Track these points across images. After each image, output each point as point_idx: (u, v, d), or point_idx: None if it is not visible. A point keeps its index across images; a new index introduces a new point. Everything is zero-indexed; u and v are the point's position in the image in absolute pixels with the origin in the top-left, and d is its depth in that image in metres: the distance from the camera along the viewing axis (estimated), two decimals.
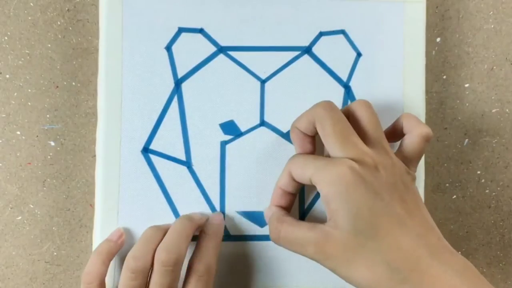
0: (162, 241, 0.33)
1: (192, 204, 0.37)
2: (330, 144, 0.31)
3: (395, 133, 0.35)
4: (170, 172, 0.37)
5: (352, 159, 0.30)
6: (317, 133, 0.32)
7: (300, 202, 0.37)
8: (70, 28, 0.39)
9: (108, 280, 0.35)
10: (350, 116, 0.33)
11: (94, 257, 0.34)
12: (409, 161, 0.33)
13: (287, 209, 0.35)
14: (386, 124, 0.38)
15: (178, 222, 0.34)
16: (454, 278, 0.28)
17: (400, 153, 0.33)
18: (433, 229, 0.30)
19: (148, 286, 0.33)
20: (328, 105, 0.32)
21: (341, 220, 0.29)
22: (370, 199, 0.29)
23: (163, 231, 0.34)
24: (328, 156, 0.32)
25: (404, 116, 0.34)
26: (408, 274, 0.28)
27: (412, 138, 0.33)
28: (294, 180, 0.33)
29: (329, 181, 0.30)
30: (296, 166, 0.32)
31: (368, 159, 0.30)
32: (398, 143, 0.35)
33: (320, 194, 0.30)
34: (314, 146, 0.34)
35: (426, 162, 0.38)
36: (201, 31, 0.37)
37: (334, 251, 0.29)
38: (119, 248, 0.35)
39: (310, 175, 0.30)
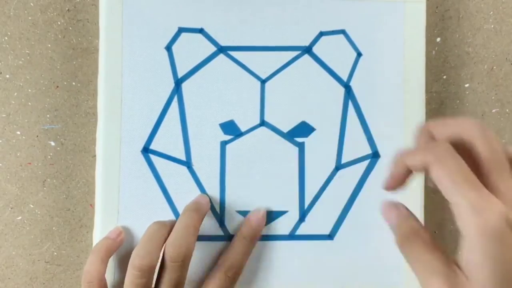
0: (170, 236, 0.33)
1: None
2: (462, 194, 0.25)
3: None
4: (170, 172, 0.37)
5: (507, 206, 0.24)
6: (419, 171, 0.28)
7: (300, 201, 0.37)
8: (70, 28, 0.39)
9: (108, 278, 0.35)
10: (461, 147, 0.27)
11: (93, 255, 0.34)
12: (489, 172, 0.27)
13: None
14: (385, 124, 0.38)
15: (184, 215, 0.34)
16: None
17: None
18: None
19: (157, 282, 0.33)
20: (450, 154, 0.26)
21: (483, 275, 0.25)
22: None
23: (168, 226, 0.34)
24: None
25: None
26: None
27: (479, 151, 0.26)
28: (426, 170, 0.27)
29: (481, 229, 0.24)
30: (446, 171, 0.26)
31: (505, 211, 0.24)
32: None
33: (462, 234, 0.25)
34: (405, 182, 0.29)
35: None
36: (201, 31, 0.37)
37: None
38: (118, 246, 0.35)
39: (457, 203, 0.25)
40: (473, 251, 0.25)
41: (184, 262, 0.32)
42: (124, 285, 0.33)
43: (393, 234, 0.29)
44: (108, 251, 0.34)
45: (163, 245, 0.33)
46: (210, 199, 0.37)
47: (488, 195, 0.25)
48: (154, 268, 0.33)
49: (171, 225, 0.34)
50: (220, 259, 0.35)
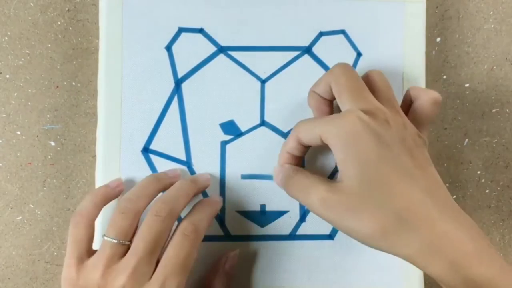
0: (162, 194, 0.33)
1: (191, 204, 0.37)
2: (343, 99, 0.31)
3: (405, 107, 0.35)
4: None
5: (363, 111, 0.30)
6: (334, 98, 0.33)
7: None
8: (70, 28, 0.39)
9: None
10: (364, 79, 0.33)
11: (88, 198, 0.33)
12: (419, 125, 0.33)
13: None
14: None
15: (181, 182, 0.34)
16: (462, 235, 0.27)
17: (411, 117, 0.33)
18: (442, 187, 0.30)
19: (137, 234, 0.32)
20: (344, 65, 0.32)
21: (349, 169, 0.29)
22: (380, 148, 0.29)
23: (162, 182, 0.34)
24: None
25: (411, 88, 0.34)
26: (416, 225, 0.27)
27: (421, 102, 0.33)
28: (301, 144, 0.33)
29: (337, 132, 0.29)
30: (304, 129, 0.32)
31: (379, 113, 0.30)
32: None
33: (330, 147, 0.30)
34: (332, 110, 0.34)
35: None
36: (201, 31, 0.37)
37: (340, 200, 0.29)
38: (116, 196, 0.35)
39: (319, 132, 0.30)
40: (337, 155, 0.29)
41: (166, 218, 0.32)
42: (107, 228, 0.32)
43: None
44: (103, 197, 0.34)
45: (152, 198, 0.33)
46: (210, 178, 0.37)
47: (342, 112, 0.30)
48: (139, 214, 0.32)
49: (165, 182, 0.34)
50: (178, 222, 0.34)
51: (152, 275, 0.31)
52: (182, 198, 0.33)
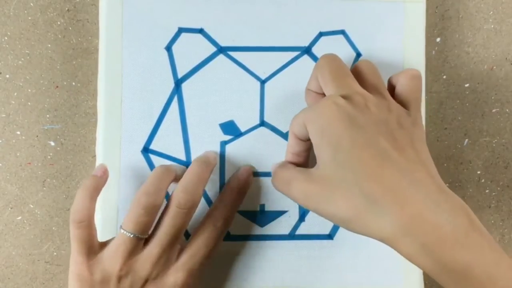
0: (181, 182, 0.33)
1: None
2: (327, 88, 0.31)
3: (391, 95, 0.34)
4: None
5: (342, 96, 0.30)
6: None
7: None
8: (70, 28, 0.39)
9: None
10: (353, 70, 0.33)
11: (81, 193, 0.32)
12: (408, 104, 0.32)
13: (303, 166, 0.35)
14: None
15: (196, 165, 0.34)
16: (438, 217, 0.26)
17: (396, 98, 0.33)
18: (423, 166, 0.29)
19: (157, 226, 0.32)
20: (326, 56, 0.33)
21: (322, 153, 0.29)
22: (353, 131, 0.28)
23: (173, 172, 0.34)
24: None
25: (390, 77, 0.34)
26: (386, 206, 0.27)
27: (402, 81, 0.32)
28: (298, 139, 0.33)
29: (313, 117, 0.30)
30: (294, 122, 0.32)
31: (358, 97, 0.30)
32: None
33: (310, 135, 0.30)
34: None
35: None
36: (201, 31, 0.37)
37: (316, 188, 0.29)
38: (104, 183, 0.34)
39: (302, 121, 0.30)
40: (313, 141, 0.30)
41: (190, 210, 0.32)
42: (124, 221, 0.32)
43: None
44: (96, 189, 0.33)
45: (167, 188, 0.33)
46: (218, 155, 0.37)
47: (324, 98, 0.30)
48: (159, 208, 0.32)
49: (176, 171, 0.34)
50: (209, 211, 0.35)
51: (176, 260, 0.33)
52: (201, 185, 0.33)
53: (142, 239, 0.32)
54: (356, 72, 0.33)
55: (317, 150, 0.30)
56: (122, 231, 0.32)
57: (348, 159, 0.28)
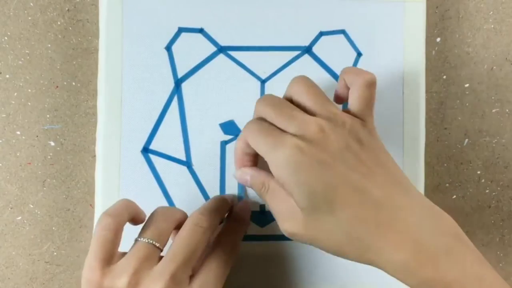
0: (200, 208, 0.33)
1: (192, 204, 0.37)
2: (275, 124, 0.30)
3: (342, 93, 0.33)
4: (170, 172, 0.37)
5: (295, 135, 0.29)
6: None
7: None
8: (70, 28, 0.39)
9: None
10: (290, 96, 0.32)
11: (121, 203, 0.32)
12: (362, 113, 0.31)
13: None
14: (385, 125, 0.38)
15: (214, 199, 0.35)
16: (421, 234, 0.27)
17: (351, 107, 0.32)
18: (400, 185, 0.29)
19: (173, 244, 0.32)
20: (264, 97, 0.32)
21: (298, 200, 0.29)
22: (323, 173, 0.28)
23: (181, 215, 0.34)
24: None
25: (344, 71, 0.33)
26: (370, 240, 0.28)
27: (356, 87, 0.31)
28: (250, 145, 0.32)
29: (278, 164, 0.29)
30: (251, 137, 0.31)
31: (312, 128, 0.29)
32: None
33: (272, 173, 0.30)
34: None
35: (426, 162, 0.38)
36: (201, 31, 0.37)
37: (302, 231, 0.29)
38: (141, 221, 0.33)
39: (262, 154, 0.30)
40: (281, 183, 0.29)
41: (206, 229, 0.32)
42: (140, 231, 0.31)
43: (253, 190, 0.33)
44: (135, 211, 0.32)
45: (179, 221, 0.33)
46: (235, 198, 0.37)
47: (281, 136, 0.29)
48: (176, 222, 0.32)
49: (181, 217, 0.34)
50: (215, 239, 0.34)
51: (189, 283, 0.31)
52: (218, 214, 0.33)
53: (157, 248, 0.30)
54: (295, 98, 0.32)
55: (293, 196, 0.29)
56: (138, 239, 0.31)
57: (325, 203, 0.28)
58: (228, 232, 0.35)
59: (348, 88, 0.32)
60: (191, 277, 0.31)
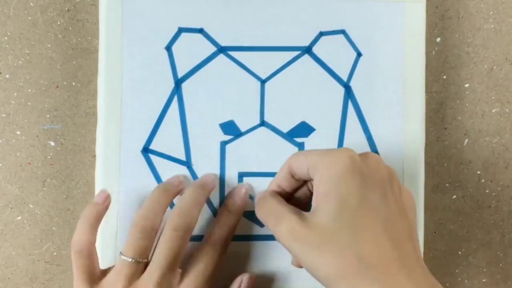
0: (176, 206, 0.33)
1: None
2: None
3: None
4: (170, 172, 0.37)
5: (354, 153, 0.30)
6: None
7: None
8: (70, 28, 0.39)
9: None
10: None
11: (82, 223, 0.33)
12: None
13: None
14: (385, 125, 0.38)
15: (192, 189, 0.34)
16: None
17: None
18: (412, 239, 0.29)
19: (156, 250, 0.33)
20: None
21: (327, 203, 0.28)
22: (362, 190, 0.28)
23: (172, 194, 0.34)
24: None
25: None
26: (378, 273, 0.27)
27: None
28: (292, 177, 0.32)
29: (327, 163, 0.29)
30: (297, 159, 0.31)
31: (370, 155, 0.30)
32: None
33: (314, 179, 0.30)
34: None
35: (426, 162, 0.38)
36: (201, 31, 0.37)
37: (308, 235, 0.28)
38: (106, 209, 0.34)
39: (309, 162, 0.30)
40: (318, 188, 0.29)
41: (185, 233, 0.33)
42: (124, 247, 0.32)
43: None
44: (97, 218, 0.33)
45: (165, 210, 0.34)
46: (217, 177, 0.37)
47: (336, 149, 0.30)
48: (157, 231, 0.33)
49: (174, 193, 0.35)
50: (206, 233, 0.35)
51: (178, 284, 0.32)
52: (196, 209, 0.34)
53: (141, 263, 0.32)
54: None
55: (318, 198, 0.29)
56: (122, 256, 0.32)
57: (353, 219, 0.28)
58: (219, 225, 0.35)
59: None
60: (182, 274, 0.33)
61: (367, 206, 0.28)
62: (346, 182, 0.28)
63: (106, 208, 0.34)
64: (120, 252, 0.32)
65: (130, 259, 0.32)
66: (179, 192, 0.35)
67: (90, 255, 0.33)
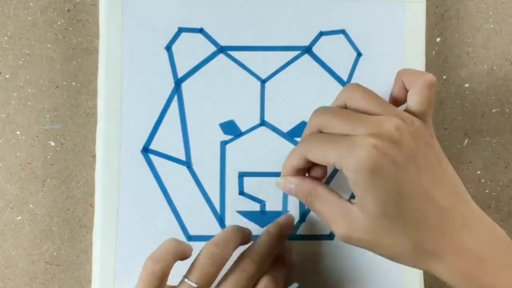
0: (252, 250, 0.33)
1: (192, 204, 0.37)
2: (343, 128, 0.30)
3: (400, 94, 0.33)
4: (170, 172, 0.37)
5: (372, 134, 0.28)
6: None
7: (300, 201, 0.37)
8: (70, 28, 0.39)
9: None
10: (344, 104, 0.32)
11: (167, 247, 0.31)
12: (422, 115, 0.31)
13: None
14: None
15: (267, 237, 0.34)
16: (483, 247, 0.28)
17: (411, 109, 0.31)
18: (461, 195, 0.30)
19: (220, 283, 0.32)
20: (318, 109, 0.32)
21: (369, 205, 0.28)
22: (397, 177, 0.28)
23: (244, 234, 0.34)
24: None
25: (401, 73, 0.32)
26: (434, 248, 0.28)
27: (417, 89, 0.31)
28: (308, 161, 0.31)
29: (355, 168, 0.28)
30: (314, 151, 0.30)
31: (388, 126, 0.28)
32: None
33: (347, 179, 0.29)
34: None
35: None
36: (201, 31, 0.37)
37: (361, 235, 0.29)
38: (187, 258, 0.32)
39: (334, 162, 0.29)
40: (355, 188, 0.28)
41: (253, 276, 0.32)
42: (189, 271, 0.31)
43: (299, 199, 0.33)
44: (183, 253, 0.32)
45: (237, 247, 0.33)
46: (294, 220, 0.36)
47: (353, 139, 0.28)
48: (225, 262, 0.32)
49: (246, 235, 0.34)
50: (246, 251, 0.34)
51: None
52: (267, 256, 0.33)
53: None
54: (347, 104, 0.31)
55: (361, 199, 0.29)
56: (186, 280, 0.31)
57: (397, 210, 0.28)
58: (275, 272, 0.34)
59: (406, 90, 0.32)
60: None
61: (407, 190, 0.28)
62: (380, 180, 0.28)
63: (188, 257, 0.32)
64: (184, 275, 0.31)
65: (195, 285, 0.30)
66: (250, 237, 0.35)
67: (162, 277, 0.31)
